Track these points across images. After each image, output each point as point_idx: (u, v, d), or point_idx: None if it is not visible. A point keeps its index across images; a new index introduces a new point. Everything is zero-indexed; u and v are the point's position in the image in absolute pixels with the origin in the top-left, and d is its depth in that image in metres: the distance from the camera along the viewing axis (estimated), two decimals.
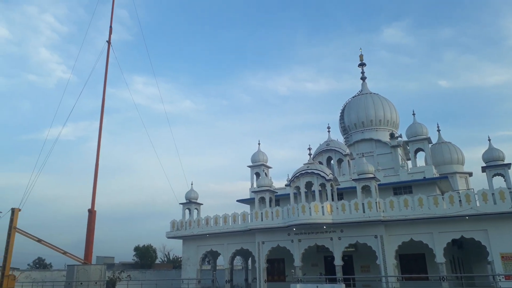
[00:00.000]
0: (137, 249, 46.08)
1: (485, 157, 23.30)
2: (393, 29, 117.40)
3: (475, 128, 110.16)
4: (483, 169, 23.01)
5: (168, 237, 30.85)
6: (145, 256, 45.41)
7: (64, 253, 26.80)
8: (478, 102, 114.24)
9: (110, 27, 25.45)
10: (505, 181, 22.36)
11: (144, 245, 46.50)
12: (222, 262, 29.93)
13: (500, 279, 19.20)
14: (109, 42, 24.26)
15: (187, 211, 31.30)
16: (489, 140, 23.54)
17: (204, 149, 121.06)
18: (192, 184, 31.84)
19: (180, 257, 34.17)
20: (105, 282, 26.81)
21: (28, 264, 46.12)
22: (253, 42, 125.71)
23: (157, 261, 48.62)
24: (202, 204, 31.94)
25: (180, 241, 31.03)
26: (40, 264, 46.84)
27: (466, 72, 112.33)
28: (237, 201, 33.55)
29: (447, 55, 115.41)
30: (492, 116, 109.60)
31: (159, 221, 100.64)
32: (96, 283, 25.46)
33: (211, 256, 31.66)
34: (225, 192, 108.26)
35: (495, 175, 22.73)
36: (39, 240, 26.38)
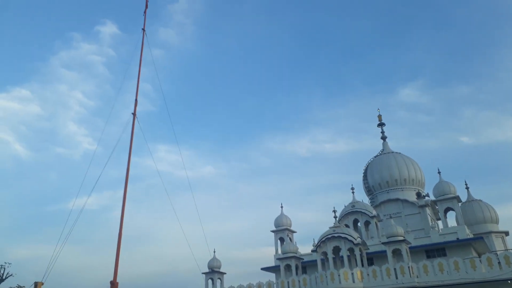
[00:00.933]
0: None
1: None
2: (409, 89, 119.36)
3: (505, 184, 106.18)
4: None
5: None
6: None
7: None
8: (504, 158, 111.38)
9: (136, 100, 26.77)
10: None
11: None
12: None
13: None
14: (134, 113, 25.35)
15: (210, 281, 30.19)
16: None
17: (226, 214, 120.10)
18: (214, 251, 31.04)
19: None
20: None
21: None
22: (270, 107, 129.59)
23: None
24: (225, 273, 30.85)
25: None
26: None
27: (488, 127, 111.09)
28: (262, 269, 32.33)
29: (466, 111, 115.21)
30: None
31: None
32: None
33: None
34: (248, 259, 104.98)
35: None
36: None
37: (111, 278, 27.52)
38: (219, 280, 30.32)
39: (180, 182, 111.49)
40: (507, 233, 34.17)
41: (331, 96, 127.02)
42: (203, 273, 30.29)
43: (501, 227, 34.59)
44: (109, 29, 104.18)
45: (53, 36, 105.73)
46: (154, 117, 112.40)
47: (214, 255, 30.83)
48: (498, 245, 32.92)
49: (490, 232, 33.23)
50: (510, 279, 19.78)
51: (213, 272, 30.22)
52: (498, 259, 20.72)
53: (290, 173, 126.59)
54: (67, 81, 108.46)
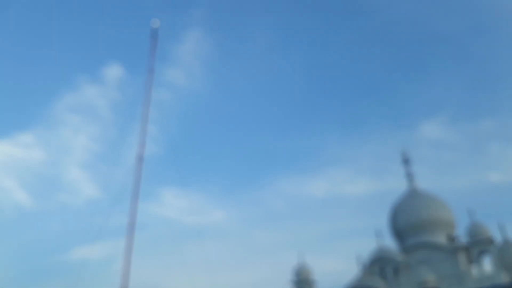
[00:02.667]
0: None
1: None
2: (431, 125, 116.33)
3: None
4: None
5: None
6: None
7: None
8: None
9: (142, 143, 26.61)
10: None
11: None
12: None
13: None
14: (140, 158, 25.43)
15: None
16: None
17: (238, 263, 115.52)
18: None
19: None
20: None
21: None
22: (283, 147, 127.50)
23: None
24: None
25: None
26: None
27: None
28: None
29: (493, 147, 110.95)
30: None
31: None
32: None
33: None
34: None
35: None
36: None
37: None
38: None
39: (188, 229, 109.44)
40: None
41: (348, 134, 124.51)
42: None
43: None
44: (114, 71, 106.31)
45: (58, 80, 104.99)
46: (160, 160, 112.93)
47: None
48: None
49: None
50: None
51: None
52: None
53: (307, 217, 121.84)
54: (72, 125, 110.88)
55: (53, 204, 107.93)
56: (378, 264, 29.41)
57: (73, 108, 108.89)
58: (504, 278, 24.97)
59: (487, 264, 27.78)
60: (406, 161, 39.63)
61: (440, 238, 32.92)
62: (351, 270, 26.26)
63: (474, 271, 28.31)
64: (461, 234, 30.76)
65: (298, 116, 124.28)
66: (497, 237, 30.75)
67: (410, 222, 34.78)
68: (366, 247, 35.41)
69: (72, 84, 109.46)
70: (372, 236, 32.07)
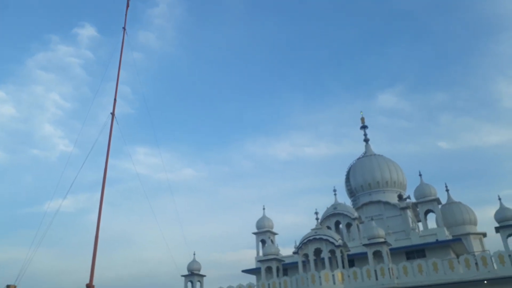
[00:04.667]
0: None
1: (498, 217, 22.49)
2: (388, 95, 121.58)
3: (481, 187, 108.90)
4: (497, 229, 22.12)
5: None
6: None
7: None
8: (481, 162, 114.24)
9: (115, 100, 26.23)
10: None
11: None
12: None
13: None
14: (113, 114, 24.81)
15: (189, 283, 29.79)
16: (500, 199, 22.92)
17: (206, 217, 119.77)
18: (194, 254, 30.67)
19: None
20: None
21: None
22: (251, 111, 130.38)
23: None
24: (205, 276, 30.49)
25: None
26: None
27: (464, 133, 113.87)
28: (242, 271, 32.07)
29: (444, 117, 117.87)
30: (496, 175, 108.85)
31: None
32: None
33: None
34: (229, 261, 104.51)
35: (510, 235, 21.71)
36: None
37: (88, 281, 26.91)
38: (198, 283, 29.95)
39: (159, 185, 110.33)
40: (484, 235, 34.64)
41: (312, 101, 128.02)
42: (182, 275, 29.87)
43: (479, 228, 35.05)
44: (87, 31, 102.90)
45: (30, 38, 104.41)
46: (132, 120, 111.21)
47: (194, 258, 30.46)
48: (476, 246, 33.34)
49: (469, 234, 33.62)
50: (486, 280, 20.02)
51: (193, 274, 29.81)
52: (475, 260, 21.03)
53: (271, 177, 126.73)
54: (44, 83, 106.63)
55: (26, 159, 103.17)
56: (334, 219, 30.83)
57: (45, 66, 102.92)
58: (446, 235, 27.07)
59: (432, 222, 29.94)
60: (364, 127, 41.11)
61: (391, 197, 34.89)
62: (310, 224, 27.27)
63: (420, 227, 30.49)
64: (411, 194, 32.57)
65: (265, 83, 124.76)
66: (443, 198, 33.07)
67: (365, 182, 36.48)
68: (324, 204, 37.11)
69: (44, 43, 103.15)
70: (330, 194, 33.43)
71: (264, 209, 33.22)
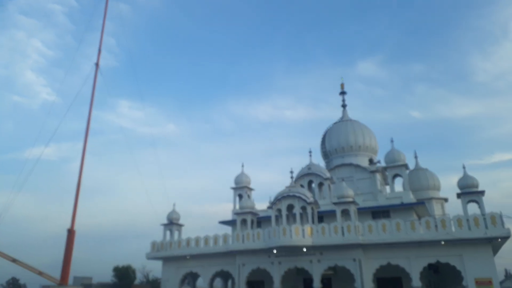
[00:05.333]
0: (116, 269, 45.10)
1: (460, 184, 24.10)
2: (368, 63, 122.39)
3: (448, 156, 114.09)
4: (458, 195, 23.78)
5: (148, 258, 30.52)
6: (124, 277, 44.42)
7: (40, 273, 26.16)
8: (449, 133, 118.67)
9: (99, 50, 25.81)
10: (479, 207, 23.08)
11: (123, 265, 45.56)
12: (202, 283, 29.68)
13: None
14: (97, 64, 24.56)
15: (168, 232, 31.11)
16: (464, 168, 24.43)
17: (187, 171, 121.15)
18: (174, 205, 31.81)
19: (160, 278, 33.68)
20: None
21: (1, 284, 44.52)
22: (235, 71, 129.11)
23: (136, 282, 47.52)
24: (183, 225, 31.84)
25: (160, 262, 30.70)
26: (14, 285, 45.30)
27: (437, 104, 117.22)
28: (219, 222, 33.61)
29: (419, 88, 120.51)
30: (463, 146, 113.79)
31: (139, 242, 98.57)
32: None
33: (191, 277, 31.37)
34: (207, 214, 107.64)
35: (469, 201, 23.39)
36: (14, 260, 25.74)
37: (69, 227, 27.77)
38: (177, 232, 31.31)
39: (142, 139, 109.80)
40: (446, 200, 37.21)
41: (294, 64, 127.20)
42: (162, 224, 31.12)
43: (441, 194, 37.58)
44: None
45: None
46: (117, 72, 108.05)
47: (174, 208, 31.61)
48: (437, 210, 35.90)
49: (432, 198, 36.06)
50: (444, 240, 21.88)
51: (172, 224, 31.09)
52: (435, 222, 22.65)
53: (251, 136, 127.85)
54: (25, 29, 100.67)
55: (6, 105, 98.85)
56: (307, 178, 32.29)
57: (26, 11, 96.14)
58: (410, 198, 29.01)
59: (399, 186, 31.84)
60: (342, 93, 41.97)
61: (363, 161, 36.56)
62: (285, 182, 28.57)
63: (387, 190, 32.39)
64: (381, 159, 34.23)
65: (250, 44, 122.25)
66: (411, 164, 34.96)
67: (339, 145, 37.90)
68: (299, 164, 38.58)
69: None
70: (306, 155, 34.71)
71: (243, 166, 34.37)
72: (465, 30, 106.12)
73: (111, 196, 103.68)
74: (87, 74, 25.34)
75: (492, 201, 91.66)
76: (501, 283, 30.58)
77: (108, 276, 45.80)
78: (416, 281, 22.12)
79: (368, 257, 23.55)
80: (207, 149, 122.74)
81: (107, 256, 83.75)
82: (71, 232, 27.63)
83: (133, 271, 46.54)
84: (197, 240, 28.80)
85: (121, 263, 45.89)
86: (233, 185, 33.70)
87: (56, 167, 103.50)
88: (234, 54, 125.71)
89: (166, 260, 29.93)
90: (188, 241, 29.06)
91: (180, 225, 31.57)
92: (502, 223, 21.08)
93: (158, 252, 29.75)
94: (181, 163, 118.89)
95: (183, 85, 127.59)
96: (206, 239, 28.45)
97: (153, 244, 30.11)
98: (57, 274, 26.49)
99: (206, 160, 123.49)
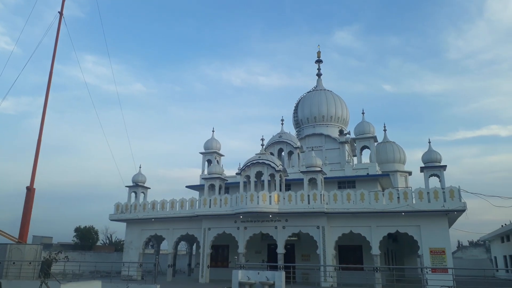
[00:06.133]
0: (77, 230, 44.44)
1: (424, 159, 24.69)
2: (345, 32, 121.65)
3: (416, 131, 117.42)
4: (422, 169, 24.41)
5: (111, 220, 30.10)
6: (86, 238, 43.93)
7: None
8: (418, 108, 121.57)
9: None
10: (440, 181, 23.83)
11: (85, 226, 44.94)
12: (166, 246, 29.72)
13: (427, 272, 20.72)
14: (61, 13, 22.84)
15: (133, 194, 30.65)
16: (429, 142, 24.96)
17: (154, 134, 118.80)
18: (140, 167, 31.20)
19: (123, 240, 33.45)
20: (40, 263, 25.65)
21: None
22: (209, 32, 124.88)
23: (98, 243, 47.24)
24: (149, 188, 31.42)
25: (124, 224, 30.38)
26: None
27: (409, 79, 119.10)
28: (186, 187, 33.34)
29: (393, 62, 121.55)
30: (430, 121, 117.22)
31: (103, 203, 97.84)
32: (30, 263, 24.29)
33: (155, 240, 31.33)
34: (174, 178, 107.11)
35: (431, 175, 24.06)
36: None
37: (28, 184, 26.71)
38: (142, 194, 30.90)
39: (108, 97, 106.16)
40: (410, 173, 38.40)
41: (271, 28, 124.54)
42: (126, 186, 30.55)
43: (406, 167, 38.71)
44: None
45: None
46: (82, 24, 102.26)
47: (140, 170, 31.02)
48: (401, 183, 37.04)
49: (396, 171, 37.10)
50: (404, 212, 22.58)
51: (137, 186, 30.60)
52: (398, 194, 23.30)
53: (223, 101, 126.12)
54: None
55: None
56: (278, 146, 32.26)
57: None
58: (376, 170, 29.62)
59: (366, 158, 32.40)
60: (318, 61, 41.60)
61: (333, 131, 36.86)
62: (255, 150, 28.40)
63: (355, 161, 32.92)
64: (351, 130, 34.54)
65: (226, 4, 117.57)
66: (379, 137, 35.56)
67: (311, 115, 37.91)
68: (271, 132, 38.48)
69: None
70: (278, 124, 34.54)
71: (213, 131, 33.84)
72: (442, 5, 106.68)
73: (74, 156, 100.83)
74: (50, 23, 23.65)
75: (452, 177, 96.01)
76: (453, 253, 32.28)
77: (69, 237, 45.17)
78: (375, 249, 22.93)
79: (331, 225, 24.11)
80: (176, 112, 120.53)
81: (69, 216, 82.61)
82: (30, 190, 26.62)
83: (96, 232, 46.08)
84: (163, 203, 28.54)
85: (83, 224, 45.25)
86: (203, 150, 33.23)
87: (15, 122, 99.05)
88: (209, 13, 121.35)
89: (130, 222, 29.63)
90: (153, 204, 28.76)
91: (146, 188, 31.13)
92: (460, 197, 21.92)
93: (122, 214, 29.35)
94: (148, 125, 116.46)
95: (153, 43, 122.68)
96: (173, 203, 28.23)
97: (117, 206, 29.63)
98: (15, 232, 25.68)
99: (175, 123, 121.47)
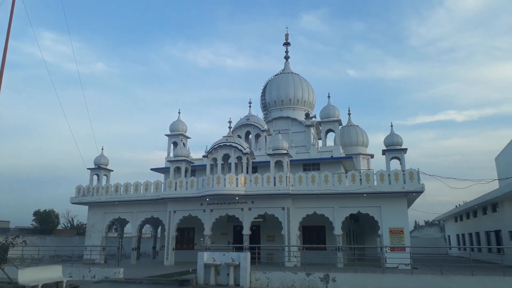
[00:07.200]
0: (37, 213, 42.83)
1: (386, 142, 25.46)
2: (311, 16, 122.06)
3: (378, 116, 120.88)
4: (383, 152, 25.19)
5: (73, 203, 29.22)
6: (46, 221, 42.45)
7: None
8: (381, 93, 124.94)
9: None
10: (400, 164, 24.71)
11: (45, 209, 43.39)
12: (130, 230, 29.30)
13: (386, 251, 21.60)
14: None
15: (95, 177, 29.82)
16: (392, 126, 25.73)
17: (119, 115, 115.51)
18: (102, 149, 30.32)
19: (85, 224, 32.66)
20: None
21: None
22: (175, 11, 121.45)
23: (59, 227, 45.86)
24: (112, 170, 30.66)
25: (86, 207, 29.61)
26: None
27: (372, 64, 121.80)
28: (151, 169, 32.79)
29: (357, 47, 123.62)
30: (392, 106, 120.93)
31: (64, 186, 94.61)
32: None
33: (119, 223, 30.81)
34: (139, 160, 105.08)
35: (393, 158, 24.90)
36: None
37: None
38: (105, 177, 30.13)
39: (68, 76, 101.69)
40: (372, 156, 39.60)
41: (239, 9, 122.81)
42: (88, 168, 29.66)
43: (369, 150, 39.86)
44: None
45: None
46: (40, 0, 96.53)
47: (102, 152, 30.16)
48: (363, 165, 38.15)
49: (359, 154, 38.14)
50: (366, 193, 23.31)
51: (100, 168, 29.78)
52: (360, 176, 24.02)
53: (189, 83, 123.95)
54: None
55: None
56: (245, 129, 32.26)
57: None
58: (340, 153, 30.28)
59: (331, 141, 32.98)
60: (286, 44, 41.54)
61: (299, 115, 37.19)
62: (222, 132, 28.22)
63: (320, 144, 33.49)
64: (317, 114, 35.03)
65: None
66: (344, 121, 36.27)
67: (278, 98, 38.01)
68: (238, 115, 38.40)
69: None
70: (246, 106, 34.43)
71: (179, 113, 33.28)
72: None
73: (32, 137, 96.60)
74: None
75: (412, 160, 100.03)
76: (410, 232, 33.89)
77: (28, 221, 43.53)
78: (337, 229, 23.63)
79: (296, 207, 24.56)
80: (141, 93, 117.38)
81: (28, 200, 79.52)
82: None
83: (56, 216, 44.61)
84: (126, 186, 27.98)
85: (43, 207, 43.65)
86: (168, 132, 32.68)
87: None
88: None
89: (92, 205, 28.91)
90: (117, 186, 28.14)
91: (109, 170, 30.36)
92: (418, 179, 22.86)
93: (83, 197, 28.55)
94: (112, 106, 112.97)
95: (116, 21, 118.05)
96: (137, 186, 27.75)
97: (79, 189, 28.77)
98: None
99: (139, 104, 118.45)
